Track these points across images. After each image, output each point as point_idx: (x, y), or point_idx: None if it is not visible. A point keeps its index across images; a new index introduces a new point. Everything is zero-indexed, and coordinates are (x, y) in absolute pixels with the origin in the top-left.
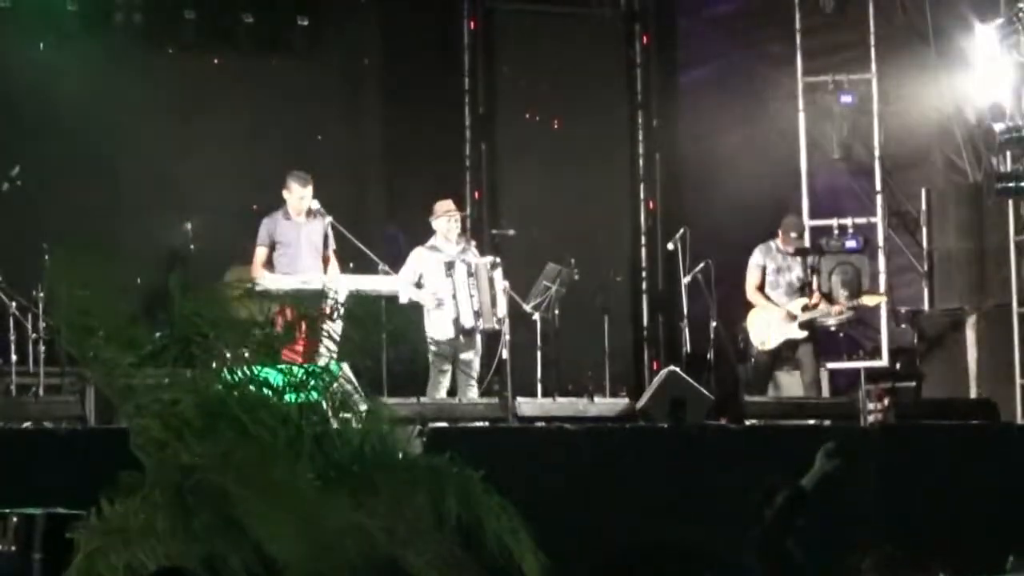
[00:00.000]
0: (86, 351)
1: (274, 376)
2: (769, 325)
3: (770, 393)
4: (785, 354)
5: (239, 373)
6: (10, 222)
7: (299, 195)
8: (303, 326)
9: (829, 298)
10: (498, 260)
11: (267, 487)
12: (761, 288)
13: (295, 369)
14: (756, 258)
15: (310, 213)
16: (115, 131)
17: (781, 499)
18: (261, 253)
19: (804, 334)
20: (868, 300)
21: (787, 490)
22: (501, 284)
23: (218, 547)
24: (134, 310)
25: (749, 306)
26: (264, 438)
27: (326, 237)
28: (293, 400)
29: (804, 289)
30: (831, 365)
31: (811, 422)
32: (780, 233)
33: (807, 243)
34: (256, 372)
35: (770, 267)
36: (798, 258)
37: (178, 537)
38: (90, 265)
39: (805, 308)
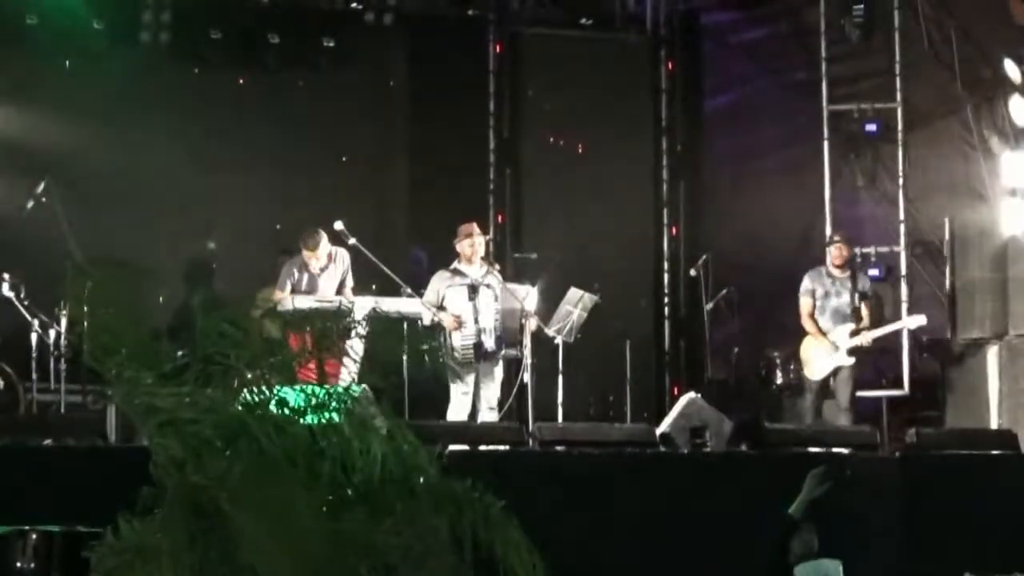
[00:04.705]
0: (108, 368)
1: (294, 397)
2: (820, 355)
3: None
4: (828, 380)
5: (259, 393)
6: (34, 239)
7: (307, 256)
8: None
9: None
10: (533, 289)
11: (259, 507)
12: (812, 314)
13: (315, 390)
14: (806, 284)
15: (329, 258)
16: (140, 149)
17: (776, 531)
18: (283, 295)
19: (852, 361)
20: (910, 322)
21: (778, 521)
22: (530, 311)
23: (230, 569)
24: (157, 328)
25: (771, 332)
26: (280, 459)
27: (343, 278)
28: (313, 421)
29: (852, 314)
30: None
31: (832, 450)
32: (830, 250)
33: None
34: (276, 392)
35: (819, 292)
36: (848, 283)
37: (192, 557)
38: (112, 282)
39: (853, 334)
